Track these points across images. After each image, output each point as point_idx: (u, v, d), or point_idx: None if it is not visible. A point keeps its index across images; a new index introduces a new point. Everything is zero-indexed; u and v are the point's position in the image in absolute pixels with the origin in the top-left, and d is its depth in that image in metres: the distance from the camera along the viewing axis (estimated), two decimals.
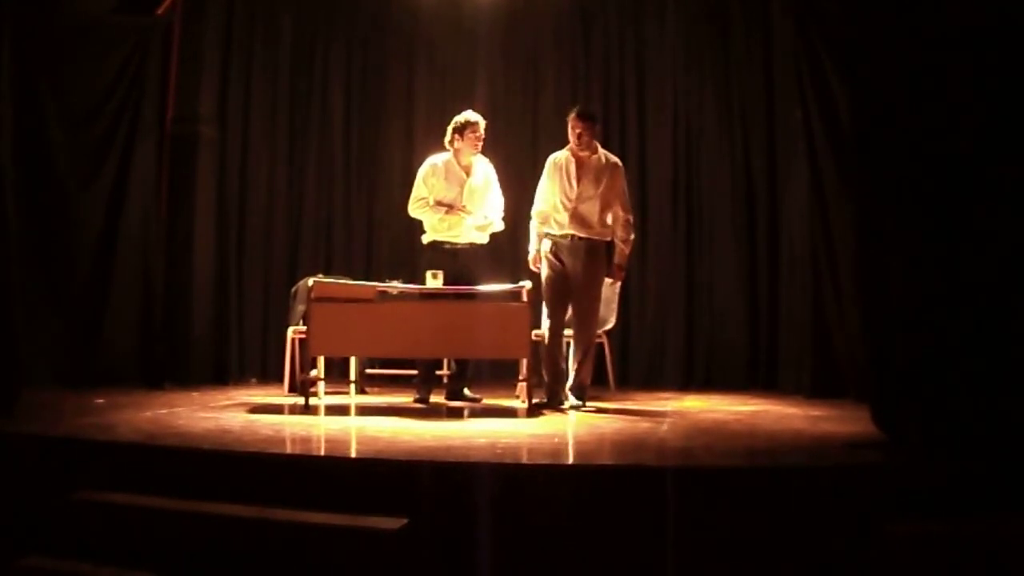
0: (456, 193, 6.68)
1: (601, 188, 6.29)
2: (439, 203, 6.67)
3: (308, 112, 8.92)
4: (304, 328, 6.60)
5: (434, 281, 6.32)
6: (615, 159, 6.47)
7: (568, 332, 6.47)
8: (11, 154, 5.73)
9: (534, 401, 6.06)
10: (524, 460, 4.34)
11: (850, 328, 6.43)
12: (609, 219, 6.34)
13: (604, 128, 8.64)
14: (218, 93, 8.04)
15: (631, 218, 6.39)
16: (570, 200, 6.29)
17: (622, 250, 6.37)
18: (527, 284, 6.24)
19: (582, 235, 6.29)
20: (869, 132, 4.57)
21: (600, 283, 6.37)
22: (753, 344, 8.05)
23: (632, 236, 6.42)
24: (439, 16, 8.88)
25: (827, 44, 6.76)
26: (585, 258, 6.26)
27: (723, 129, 8.32)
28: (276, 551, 3.67)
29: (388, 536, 3.62)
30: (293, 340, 7.08)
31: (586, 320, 6.31)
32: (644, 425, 5.49)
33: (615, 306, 7.20)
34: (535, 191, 6.47)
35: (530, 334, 6.09)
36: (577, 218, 6.28)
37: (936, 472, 3.85)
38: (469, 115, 6.71)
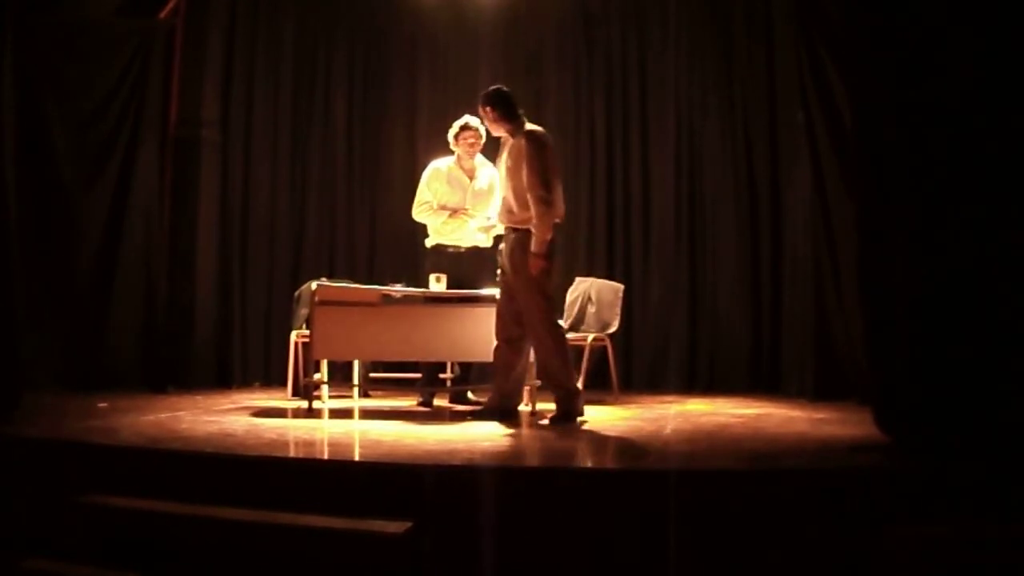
0: (460, 197, 6.68)
1: (516, 168, 5.69)
2: (443, 207, 6.67)
3: (311, 115, 8.92)
4: (307, 332, 6.60)
5: (437, 284, 6.32)
6: (531, 129, 5.81)
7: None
8: (13, 156, 5.73)
9: (476, 409, 5.95)
10: (528, 463, 4.34)
11: (853, 330, 6.42)
12: None
13: (606, 130, 8.69)
14: (221, 96, 8.05)
15: (542, 193, 5.55)
16: (502, 190, 5.90)
17: (534, 235, 5.58)
18: None
19: (507, 224, 5.80)
20: (870, 133, 4.56)
21: (529, 277, 5.61)
22: (756, 347, 8.05)
23: (548, 215, 5.56)
24: (441, 20, 8.89)
25: (829, 46, 6.76)
26: (511, 250, 5.73)
27: (726, 131, 8.33)
28: (280, 555, 3.67)
29: (393, 540, 3.61)
30: (296, 344, 7.07)
31: (527, 319, 5.71)
32: (647, 428, 5.48)
33: (618, 309, 7.19)
34: None
35: None
36: (504, 206, 5.83)
37: (938, 474, 3.84)
38: (464, 120, 6.71)
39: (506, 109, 5.83)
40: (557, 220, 5.74)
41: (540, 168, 5.62)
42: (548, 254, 5.62)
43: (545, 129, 8.77)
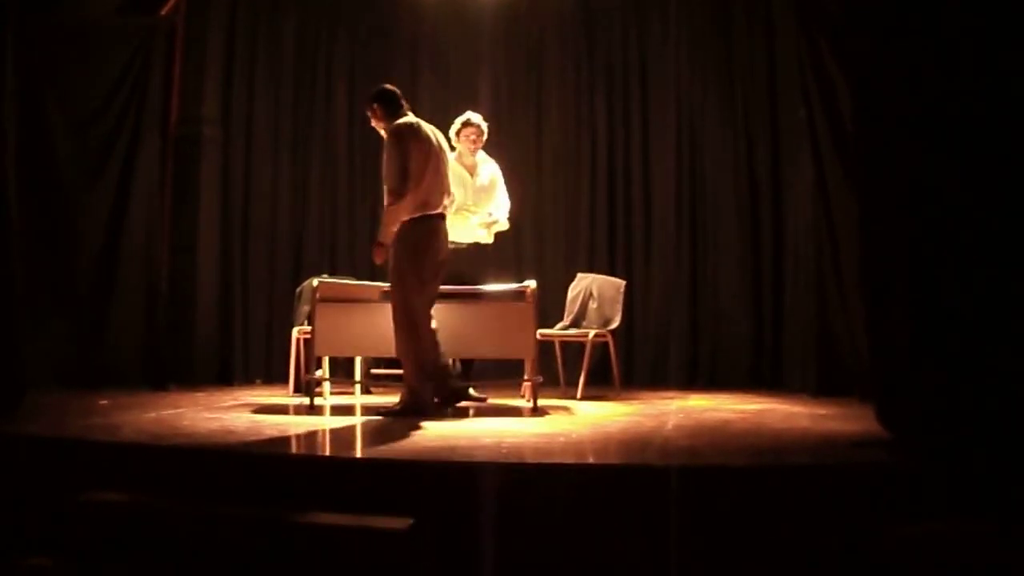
0: (461, 193, 6.66)
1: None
2: None
3: (312, 113, 8.93)
4: (309, 328, 6.60)
5: None
6: (397, 122, 5.73)
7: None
8: (14, 155, 5.73)
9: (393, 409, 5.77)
10: (529, 459, 4.33)
11: (855, 327, 6.41)
12: None
13: (607, 128, 8.70)
14: (222, 94, 8.06)
15: (392, 183, 5.60)
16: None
17: (381, 223, 5.68)
18: (531, 284, 6.23)
19: None
20: (872, 130, 4.56)
21: (395, 269, 5.68)
22: (758, 342, 8.05)
23: (396, 206, 5.58)
24: (442, 18, 8.90)
25: (830, 43, 6.74)
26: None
27: (727, 128, 8.33)
28: (281, 552, 3.67)
29: (394, 536, 3.61)
30: (298, 340, 7.07)
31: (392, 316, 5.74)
32: (649, 424, 5.48)
33: (619, 305, 7.20)
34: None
35: (535, 334, 6.08)
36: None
37: (938, 473, 3.84)
38: (466, 116, 6.71)
39: (388, 107, 5.84)
40: (432, 211, 5.74)
41: (397, 159, 5.62)
42: (414, 248, 5.65)
43: (544, 128, 8.88)
